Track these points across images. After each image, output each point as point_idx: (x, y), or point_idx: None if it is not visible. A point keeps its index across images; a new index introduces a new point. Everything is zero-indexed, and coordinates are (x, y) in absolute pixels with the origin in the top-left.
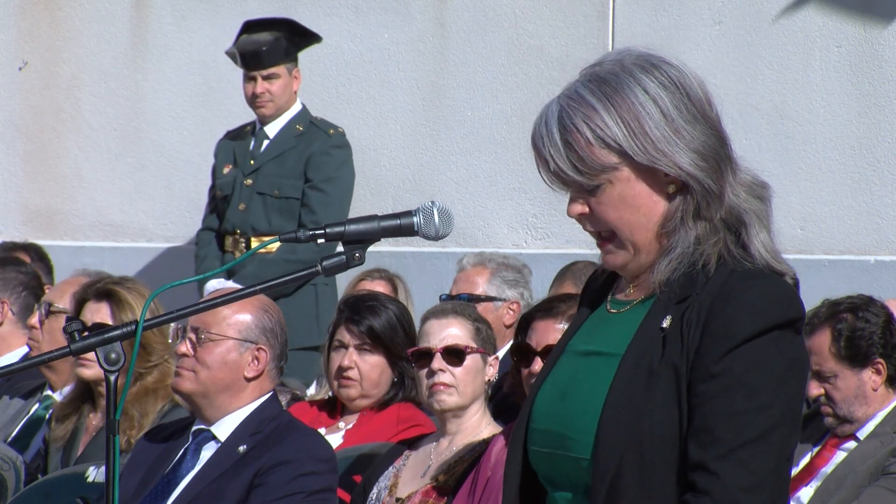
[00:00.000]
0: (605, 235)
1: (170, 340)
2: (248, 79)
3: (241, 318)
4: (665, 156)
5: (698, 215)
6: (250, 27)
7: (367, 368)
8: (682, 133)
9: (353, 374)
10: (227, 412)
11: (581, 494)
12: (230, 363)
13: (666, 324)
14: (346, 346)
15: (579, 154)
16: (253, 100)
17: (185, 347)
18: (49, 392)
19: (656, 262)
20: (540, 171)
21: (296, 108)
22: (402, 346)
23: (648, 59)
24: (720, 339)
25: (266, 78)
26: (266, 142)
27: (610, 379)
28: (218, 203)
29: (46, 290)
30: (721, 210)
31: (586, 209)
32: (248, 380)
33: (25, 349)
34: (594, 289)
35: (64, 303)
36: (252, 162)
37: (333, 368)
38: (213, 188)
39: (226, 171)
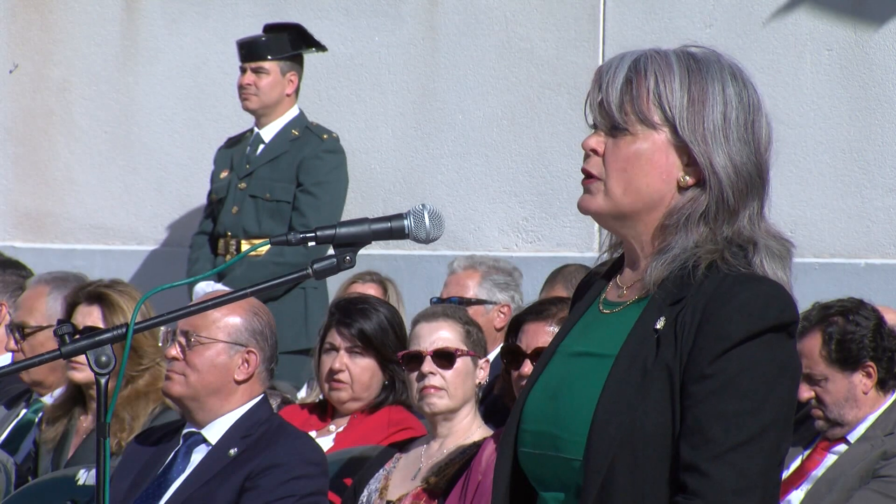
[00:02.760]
0: (594, 178)
1: (160, 344)
2: (241, 71)
3: (230, 321)
4: (705, 144)
5: (705, 220)
6: (266, 28)
7: (358, 371)
8: (730, 141)
9: (344, 376)
10: (218, 415)
11: (572, 495)
12: (220, 366)
13: (660, 325)
14: (336, 349)
15: (632, 95)
16: (239, 91)
17: (174, 351)
18: (38, 396)
19: (649, 260)
20: (586, 101)
21: (292, 113)
22: (392, 348)
23: (742, 73)
24: (714, 341)
25: (255, 71)
26: (262, 146)
27: (602, 380)
28: (213, 207)
29: (5, 310)
30: (729, 229)
31: (602, 148)
32: (238, 382)
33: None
34: (586, 290)
35: (37, 319)
36: (247, 166)
37: (324, 371)
38: (209, 193)
39: (222, 175)
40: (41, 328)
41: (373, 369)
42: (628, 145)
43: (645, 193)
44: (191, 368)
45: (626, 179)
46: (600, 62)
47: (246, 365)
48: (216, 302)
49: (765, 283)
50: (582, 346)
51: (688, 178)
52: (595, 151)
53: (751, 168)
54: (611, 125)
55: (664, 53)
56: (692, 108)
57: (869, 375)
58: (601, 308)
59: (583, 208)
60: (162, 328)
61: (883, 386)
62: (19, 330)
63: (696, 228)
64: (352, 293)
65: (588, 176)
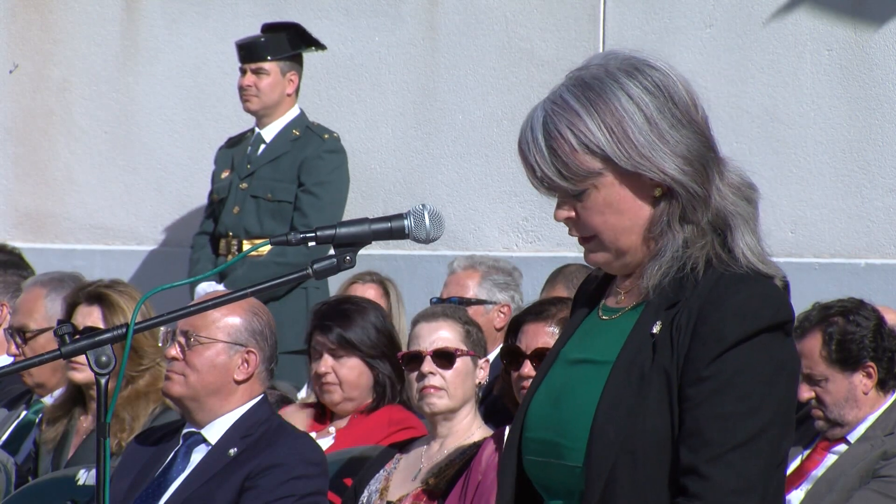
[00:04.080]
0: (589, 236)
1: (160, 344)
2: (241, 72)
3: (230, 321)
4: (649, 161)
5: (685, 219)
6: (265, 28)
7: (344, 372)
8: (666, 138)
9: (330, 378)
10: (218, 415)
11: (576, 501)
12: (220, 366)
13: (656, 329)
14: (321, 353)
15: (564, 160)
16: (240, 93)
17: (174, 351)
18: (38, 397)
19: (645, 266)
20: (528, 177)
21: (293, 113)
22: (375, 346)
23: (633, 64)
24: (710, 343)
25: (255, 72)
26: (263, 146)
27: (601, 386)
28: (214, 207)
29: (6, 311)
30: (708, 213)
31: (573, 214)
32: (238, 382)
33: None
34: (587, 293)
35: (37, 322)
36: (248, 166)
37: (313, 375)
38: (211, 193)
39: (223, 175)
40: (42, 331)
41: (359, 368)
42: (593, 201)
43: (636, 227)
44: (190, 368)
45: (614, 228)
46: None
47: (246, 365)
48: (216, 302)
49: (759, 284)
50: (581, 353)
51: (657, 190)
52: (570, 220)
53: (696, 145)
54: (566, 193)
55: (561, 99)
56: (615, 137)
57: (869, 376)
58: (600, 314)
59: (592, 264)
60: (162, 328)
61: (883, 386)
62: (20, 334)
63: (682, 229)
64: (340, 295)
65: (581, 237)
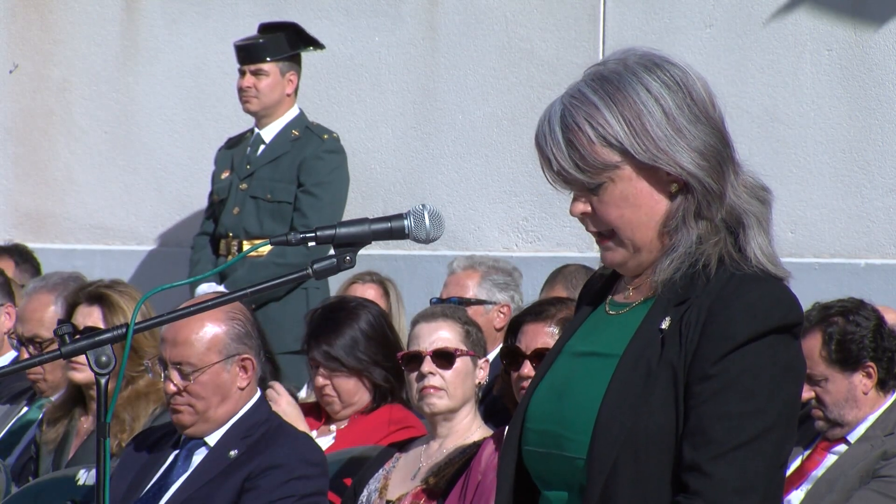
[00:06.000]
0: (606, 234)
1: (149, 374)
2: (240, 73)
3: (214, 337)
4: (666, 154)
5: (699, 215)
6: (262, 28)
7: (340, 383)
8: (683, 132)
9: (328, 391)
10: (224, 422)
11: (575, 494)
12: (223, 385)
13: (665, 325)
14: (316, 367)
15: (581, 153)
16: (240, 94)
17: (172, 387)
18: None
19: (658, 261)
20: (543, 171)
21: (293, 113)
22: (363, 359)
23: (652, 59)
24: (718, 342)
25: (254, 73)
26: (262, 146)
27: (607, 379)
28: (214, 207)
29: (10, 313)
30: (722, 210)
31: (589, 208)
32: (242, 389)
33: (14, 353)
34: (592, 291)
35: (49, 330)
36: (248, 166)
37: (314, 386)
38: (211, 194)
39: (223, 176)
40: (50, 339)
41: (354, 380)
42: (610, 194)
43: (652, 222)
44: (195, 398)
45: (630, 222)
46: None
47: (244, 371)
48: (216, 302)
49: (770, 285)
50: (587, 346)
51: (673, 186)
52: (586, 214)
53: (713, 141)
54: (582, 186)
55: (579, 93)
56: (633, 130)
57: (869, 376)
58: (608, 309)
59: (609, 264)
60: (146, 360)
61: (883, 386)
62: (33, 342)
63: (696, 224)
64: (335, 297)
65: (597, 234)
